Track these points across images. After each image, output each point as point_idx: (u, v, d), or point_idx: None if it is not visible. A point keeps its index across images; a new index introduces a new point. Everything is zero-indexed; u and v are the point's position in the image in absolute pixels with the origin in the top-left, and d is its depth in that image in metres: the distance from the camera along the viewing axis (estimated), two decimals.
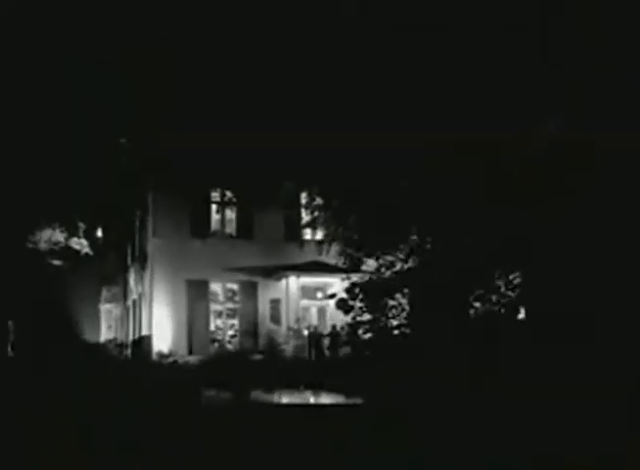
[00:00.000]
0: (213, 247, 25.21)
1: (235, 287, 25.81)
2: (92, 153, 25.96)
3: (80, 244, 29.78)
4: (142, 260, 26.63)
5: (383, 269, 14.35)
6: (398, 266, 14.02)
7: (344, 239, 16.17)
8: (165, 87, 21.69)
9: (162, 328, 24.01)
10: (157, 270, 24.64)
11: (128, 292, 30.86)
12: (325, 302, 27.00)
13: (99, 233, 34.19)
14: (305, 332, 24.56)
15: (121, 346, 26.32)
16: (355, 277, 25.19)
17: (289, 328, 24.71)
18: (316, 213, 19.38)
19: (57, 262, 29.70)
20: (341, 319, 25.63)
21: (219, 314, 25.55)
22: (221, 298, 25.73)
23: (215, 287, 25.65)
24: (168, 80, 21.33)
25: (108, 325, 32.60)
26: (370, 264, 14.95)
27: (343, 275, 25.90)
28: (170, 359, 20.94)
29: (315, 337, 23.80)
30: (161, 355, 21.77)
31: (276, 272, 25.42)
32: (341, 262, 16.02)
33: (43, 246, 29.19)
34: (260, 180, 23.98)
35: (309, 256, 25.39)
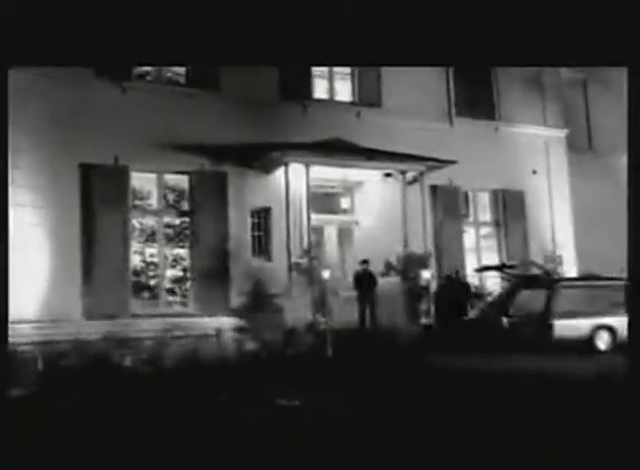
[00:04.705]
0: (142, 101, 12.54)
1: (184, 182, 13.26)
2: None
3: None
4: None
5: None
6: None
7: None
8: None
9: (29, 259, 11.35)
10: (19, 139, 11.76)
11: None
12: (352, 217, 14.70)
13: None
14: (326, 273, 12.14)
15: None
16: (404, 166, 13.22)
17: (293, 265, 12.33)
18: None
19: None
20: (379, 252, 13.61)
21: (150, 237, 12.98)
22: (155, 203, 13.13)
23: (143, 181, 13.04)
24: None
25: None
26: None
27: (389, 165, 13.94)
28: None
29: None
30: None
31: (264, 156, 13.02)
32: None
33: None
34: None
35: (323, 130, 13.38)
